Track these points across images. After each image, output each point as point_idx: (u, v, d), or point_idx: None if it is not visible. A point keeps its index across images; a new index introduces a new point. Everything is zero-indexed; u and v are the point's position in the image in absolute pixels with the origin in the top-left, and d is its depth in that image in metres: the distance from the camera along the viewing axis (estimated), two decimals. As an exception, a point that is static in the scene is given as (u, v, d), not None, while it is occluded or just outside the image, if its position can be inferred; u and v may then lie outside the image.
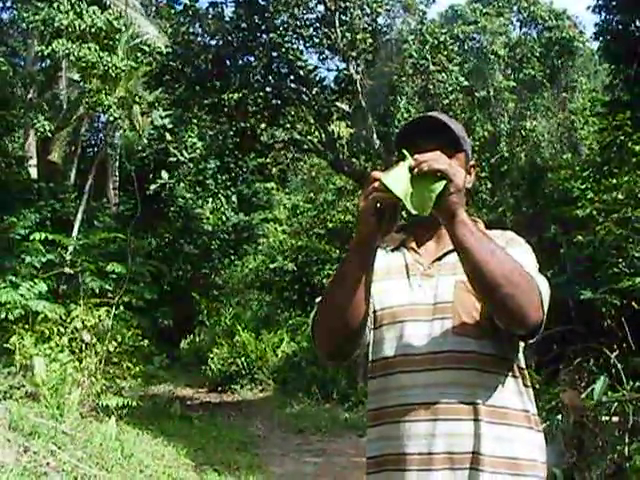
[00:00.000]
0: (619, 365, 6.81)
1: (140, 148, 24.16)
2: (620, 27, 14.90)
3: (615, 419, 6.32)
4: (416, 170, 2.01)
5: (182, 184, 23.16)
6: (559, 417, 6.48)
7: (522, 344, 2.29)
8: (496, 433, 2.15)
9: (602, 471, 5.80)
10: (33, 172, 20.24)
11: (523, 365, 2.31)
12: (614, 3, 14.84)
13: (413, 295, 2.28)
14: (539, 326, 2.10)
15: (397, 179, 2.02)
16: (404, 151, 2.08)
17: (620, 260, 10.11)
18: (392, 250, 2.43)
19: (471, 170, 2.44)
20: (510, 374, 2.24)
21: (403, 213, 2.12)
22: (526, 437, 2.22)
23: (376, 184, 2.03)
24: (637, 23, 14.76)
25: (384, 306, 2.31)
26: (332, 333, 2.21)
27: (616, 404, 6.37)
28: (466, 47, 24.56)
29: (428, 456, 2.14)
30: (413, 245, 2.40)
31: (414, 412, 2.17)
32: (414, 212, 2.02)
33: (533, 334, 2.13)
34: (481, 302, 2.16)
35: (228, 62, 17.01)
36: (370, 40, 16.38)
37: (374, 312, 2.33)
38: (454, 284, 2.24)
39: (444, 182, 1.99)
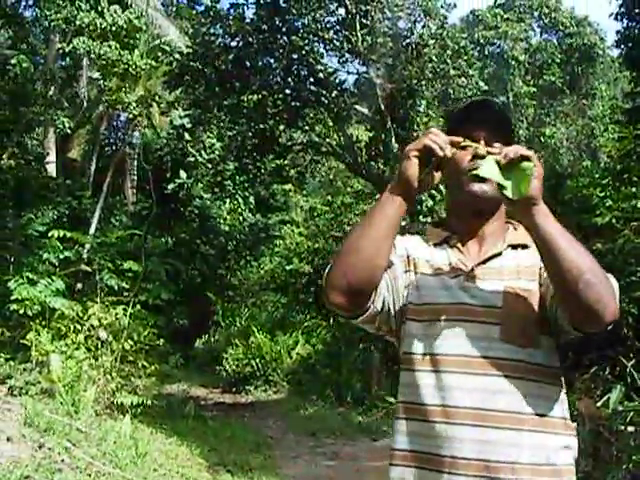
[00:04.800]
0: (635, 374, 6.79)
1: (158, 147, 24.24)
2: (642, 35, 14.83)
3: (631, 428, 6.31)
4: (504, 160, 2.06)
5: (200, 184, 23.24)
6: (574, 425, 6.46)
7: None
8: (538, 442, 2.12)
9: (617, 480, 5.78)
10: (52, 169, 20.35)
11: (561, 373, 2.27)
12: (637, 10, 14.77)
13: (458, 296, 2.24)
14: (613, 321, 2.06)
15: (490, 170, 2.08)
16: (497, 144, 2.20)
17: (639, 269, 10.06)
18: (434, 245, 2.40)
19: None
20: (554, 383, 2.21)
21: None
22: (565, 444, 2.20)
23: (432, 133, 2.12)
24: (659, 31, 14.70)
25: (426, 301, 2.27)
26: (347, 273, 2.15)
27: (632, 413, 6.35)
28: (486, 52, 24.62)
29: (462, 461, 2.10)
30: (457, 244, 2.36)
31: (453, 414, 2.13)
32: (513, 197, 2.05)
33: (601, 330, 2.08)
34: (558, 296, 2.10)
35: (248, 63, 17.04)
36: (390, 44, 16.39)
37: (414, 304, 2.29)
38: (502, 290, 2.21)
39: (533, 163, 2.03)
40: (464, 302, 2.22)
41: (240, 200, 22.75)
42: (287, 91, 17.56)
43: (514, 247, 2.33)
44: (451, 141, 2.13)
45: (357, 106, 17.74)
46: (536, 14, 28.36)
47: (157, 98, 18.74)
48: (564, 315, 2.10)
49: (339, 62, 17.64)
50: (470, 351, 2.17)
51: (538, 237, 2.06)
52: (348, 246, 2.18)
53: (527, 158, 2.03)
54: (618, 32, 15.35)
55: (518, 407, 2.12)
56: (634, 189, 10.89)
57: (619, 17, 15.17)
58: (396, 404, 2.34)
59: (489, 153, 2.14)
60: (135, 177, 24.05)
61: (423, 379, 2.21)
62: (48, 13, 16.62)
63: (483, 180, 2.20)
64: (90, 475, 7.11)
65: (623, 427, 6.34)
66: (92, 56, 15.92)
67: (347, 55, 17.38)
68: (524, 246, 2.32)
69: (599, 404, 6.47)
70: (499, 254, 2.28)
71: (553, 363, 2.22)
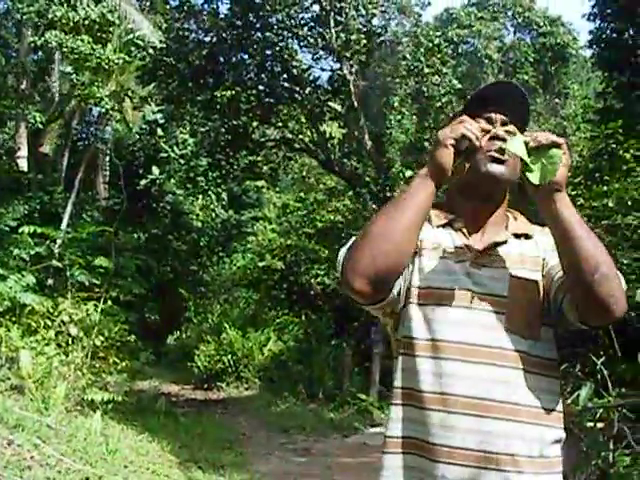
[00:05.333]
0: (605, 371, 6.82)
1: (131, 143, 24.13)
2: (614, 35, 14.92)
3: (600, 425, 6.33)
4: (533, 143, 2.04)
5: (172, 180, 23.16)
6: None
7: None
8: (534, 434, 2.10)
9: (586, 477, 5.81)
10: (23, 164, 20.19)
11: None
12: (609, 11, 14.86)
13: (462, 281, 2.19)
14: (620, 317, 2.04)
15: (518, 147, 2.06)
16: (512, 127, 2.22)
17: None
18: (437, 226, 2.33)
19: None
20: (552, 376, 2.19)
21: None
22: (558, 437, 2.18)
23: (467, 122, 2.10)
24: (631, 31, 14.78)
25: (429, 285, 2.21)
26: (376, 259, 2.04)
27: (601, 410, 6.38)
28: (460, 50, 24.65)
29: (460, 451, 2.06)
30: (463, 228, 2.31)
31: (452, 403, 2.09)
32: (536, 182, 2.04)
33: (608, 325, 2.09)
34: (570, 287, 2.08)
35: (222, 59, 17.03)
36: (364, 41, 16.41)
37: (417, 287, 2.22)
38: (508, 279, 2.18)
39: (562, 151, 2.02)
40: (468, 288, 2.18)
41: (213, 196, 22.72)
42: (261, 87, 17.54)
43: (517, 236, 2.31)
44: (482, 129, 2.13)
45: (331, 103, 17.75)
46: (510, 13, 28.46)
47: (130, 93, 18.63)
48: (571, 307, 2.09)
49: (313, 59, 17.66)
50: (472, 339, 2.13)
51: (557, 225, 2.06)
52: (376, 231, 2.08)
53: (557, 145, 2.02)
54: (591, 32, 15.44)
55: (518, 399, 2.10)
56: (605, 188, 10.94)
57: (592, 18, 15.26)
58: (393, 389, 2.26)
59: (508, 133, 2.16)
60: (107, 172, 23.91)
61: (422, 365, 2.15)
62: (20, 6, 16.52)
63: (501, 162, 2.19)
64: (60, 472, 7.05)
65: (592, 424, 6.37)
66: (64, 50, 15.82)
67: (321, 52, 17.38)
68: (527, 236, 2.32)
69: (569, 401, 6.48)
70: (504, 242, 2.25)
71: (551, 355, 2.20)
